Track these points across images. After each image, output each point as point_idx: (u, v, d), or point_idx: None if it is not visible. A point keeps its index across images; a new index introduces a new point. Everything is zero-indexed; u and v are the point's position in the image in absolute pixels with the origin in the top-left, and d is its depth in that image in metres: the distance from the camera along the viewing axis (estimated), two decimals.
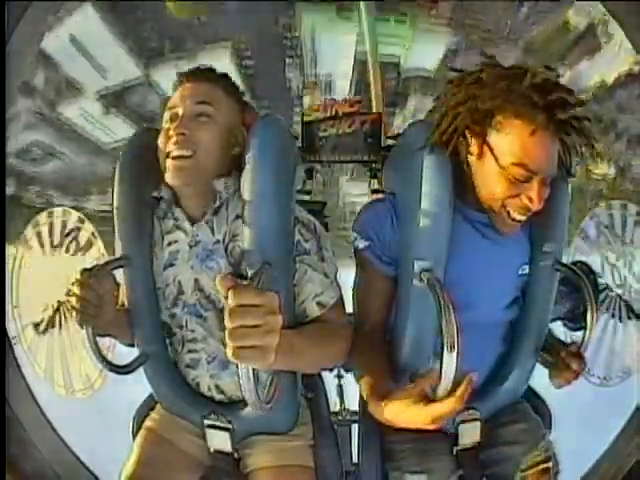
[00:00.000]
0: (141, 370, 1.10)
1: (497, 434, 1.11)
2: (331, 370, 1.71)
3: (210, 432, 1.09)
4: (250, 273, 0.92)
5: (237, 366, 0.72)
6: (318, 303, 1.00)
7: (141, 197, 1.05)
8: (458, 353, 0.81)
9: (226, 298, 0.69)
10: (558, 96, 0.86)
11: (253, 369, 0.72)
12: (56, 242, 2.13)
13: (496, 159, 0.91)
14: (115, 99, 3.44)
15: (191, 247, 1.03)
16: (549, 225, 1.04)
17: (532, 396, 1.22)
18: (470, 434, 1.08)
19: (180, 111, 1.00)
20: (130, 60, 3.17)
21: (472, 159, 0.95)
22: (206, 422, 1.08)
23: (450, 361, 0.81)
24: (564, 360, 1.01)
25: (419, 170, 0.95)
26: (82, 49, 3.01)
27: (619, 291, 1.95)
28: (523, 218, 0.95)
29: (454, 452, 1.08)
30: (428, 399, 0.79)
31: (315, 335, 0.96)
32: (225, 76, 1.08)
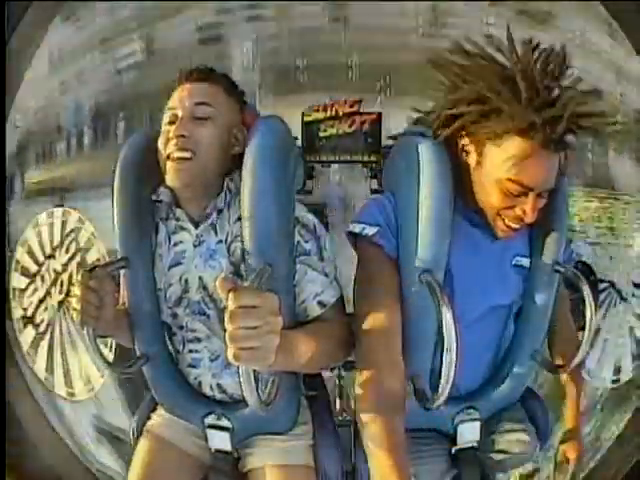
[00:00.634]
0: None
1: (492, 441, 1.11)
2: (332, 370, 1.71)
3: (210, 432, 1.09)
4: (250, 274, 0.92)
5: (238, 367, 0.72)
6: (319, 302, 1.00)
7: (141, 199, 1.05)
8: (457, 353, 0.81)
9: (226, 300, 0.69)
10: (559, 113, 0.83)
11: (253, 370, 0.72)
12: (56, 242, 2.14)
13: (492, 171, 0.90)
14: None
15: (195, 247, 1.03)
16: (548, 225, 1.03)
17: (534, 402, 1.22)
18: (469, 434, 1.08)
19: (179, 112, 0.99)
20: None
21: (469, 161, 0.95)
22: (206, 422, 1.08)
23: (449, 361, 0.81)
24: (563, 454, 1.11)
25: (418, 170, 0.95)
26: None
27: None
28: (518, 227, 0.94)
29: (452, 452, 1.08)
30: None
31: (316, 334, 0.95)
32: (224, 76, 1.07)
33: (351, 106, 2.10)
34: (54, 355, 1.92)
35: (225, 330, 0.69)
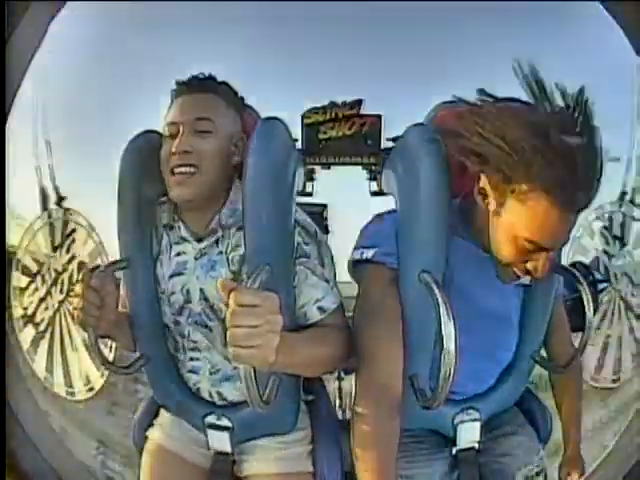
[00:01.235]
0: None
1: (493, 445, 1.11)
2: (331, 372, 1.71)
3: (210, 432, 1.09)
4: (250, 274, 0.92)
5: (239, 374, 0.73)
6: (319, 308, 1.00)
7: (142, 199, 1.06)
8: (456, 352, 0.81)
9: (227, 302, 0.70)
10: (584, 175, 0.79)
11: (254, 369, 0.73)
12: (57, 242, 2.14)
13: (510, 227, 0.86)
14: None
15: (196, 259, 1.04)
16: None
17: (534, 402, 1.22)
18: (469, 434, 1.08)
19: (180, 127, 0.99)
20: None
21: (486, 205, 0.90)
22: (206, 421, 1.08)
23: (448, 361, 0.81)
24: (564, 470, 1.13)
25: (418, 171, 0.95)
26: None
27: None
28: (527, 277, 0.93)
29: (453, 453, 1.08)
30: None
31: (316, 338, 0.96)
32: (224, 84, 1.07)
33: (351, 108, 2.09)
34: (54, 354, 1.92)
35: (226, 343, 0.70)
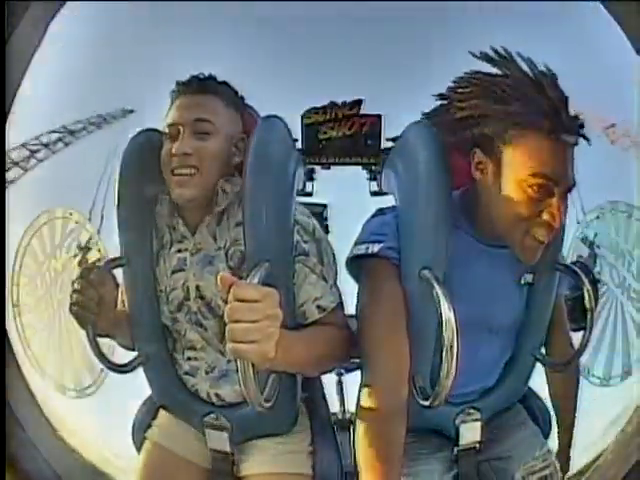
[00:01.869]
0: None
1: (496, 442, 1.11)
2: (330, 371, 1.71)
3: (209, 432, 1.09)
4: (249, 270, 0.93)
5: (237, 372, 0.72)
6: (318, 307, 1.00)
7: (142, 197, 1.06)
8: (458, 352, 0.81)
9: (226, 300, 0.70)
10: (561, 97, 0.85)
11: (253, 366, 0.72)
12: (57, 242, 2.14)
13: (513, 173, 0.88)
14: None
15: (193, 254, 1.04)
16: None
17: (534, 400, 1.22)
18: (470, 434, 1.08)
19: (180, 129, 0.99)
20: None
21: (486, 182, 0.92)
22: (205, 421, 1.08)
23: (449, 358, 0.81)
24: None
25: (417, 170, 0.95)
26: None
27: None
28: (547, 239, 0.91)
29: (454, 452, 1.08)
30: None
31: (315, 337, 0.96)
32: (223, 84, 1.07)
33: (350, 108, 2.10)
34: (54, 354, 1.92)
35: (222, 340, 0.70)
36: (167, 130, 1.01)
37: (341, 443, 1.17)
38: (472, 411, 1.07)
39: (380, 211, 1.05)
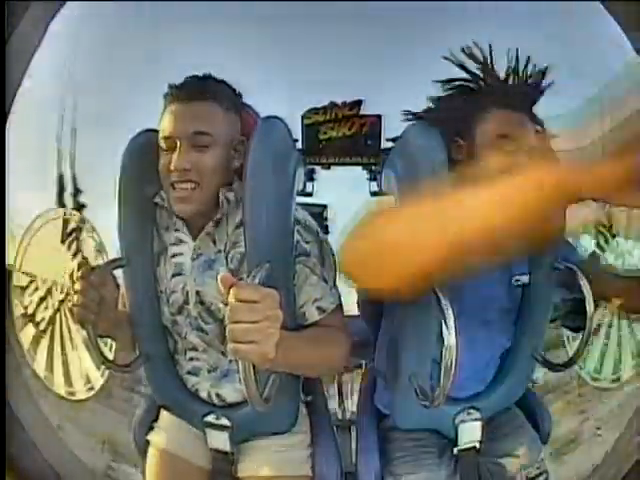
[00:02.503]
0: None
1: (494, 446, 1.11)
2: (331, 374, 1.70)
3: (209, 432, 1.09)
4: (249, 271, 0.93)
5: (238, 371, 0.73)
6: (318, 308, 1.00)
7: (142, 198, 1.06)
8: (457, 350, 0.81)
9: (226, 299, 0.70)
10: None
11: (253, 366, 0.72)
12: (57, 242, 2.14)
13: (487, 140, 1.00)
14: None
15: (193, 260, 1.03)
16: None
17: (534, 404, 1.22)
18: (470, 434, 1.08)
19: (177, 142, 0.96)
20: None
21: (476, 159, 0.97)
22: (205, 420, 1.08)
23: (449, 358, 0.81)
24: None
25: (417, 169, 0.95)
26: None
27: None
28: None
29: (454, 452, 1.08)
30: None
31: (315, 338, 0.96)
32: (219, 84, 1.03)
33: (351, 108, 2.09)
34: (54, 354, 1.92)
35: (223, 342, 0.70)
36: (163, 142, 0.97)
37: (341, 443, 1.18)
38: (472, 411, 1.07)
39: None
